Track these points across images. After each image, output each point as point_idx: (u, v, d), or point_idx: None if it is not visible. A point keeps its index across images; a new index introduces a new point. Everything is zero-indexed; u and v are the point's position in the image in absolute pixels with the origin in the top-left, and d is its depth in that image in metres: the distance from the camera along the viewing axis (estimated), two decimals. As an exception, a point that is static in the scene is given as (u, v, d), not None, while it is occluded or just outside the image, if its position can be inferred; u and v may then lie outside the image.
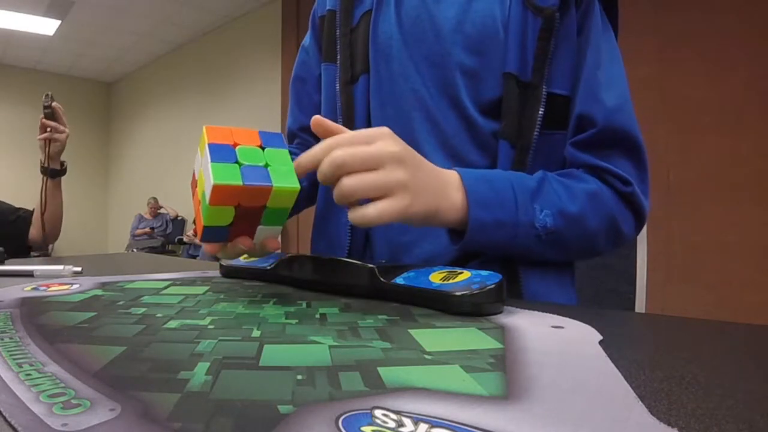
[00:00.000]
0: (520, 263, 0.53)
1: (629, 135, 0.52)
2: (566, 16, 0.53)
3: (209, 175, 0.35)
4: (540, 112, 0.52)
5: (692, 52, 2.34)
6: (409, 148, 0.42)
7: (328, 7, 0.67)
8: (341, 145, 0.38)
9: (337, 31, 0.64)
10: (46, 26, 5.05)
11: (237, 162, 0.36)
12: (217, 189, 0.34)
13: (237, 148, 0.37)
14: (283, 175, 0.37)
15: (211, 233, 0.38)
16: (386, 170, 0.38)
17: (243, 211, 0.37)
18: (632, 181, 0.51)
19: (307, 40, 0.73)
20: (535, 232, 0.47)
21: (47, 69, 6.60)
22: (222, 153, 0.36)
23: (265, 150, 0.38)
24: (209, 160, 0.35)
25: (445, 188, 0.45)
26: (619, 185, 0.51)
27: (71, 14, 4.80)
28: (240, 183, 0.34)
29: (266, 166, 0.37)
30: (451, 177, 0.46)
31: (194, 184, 0.41)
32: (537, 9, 0.53)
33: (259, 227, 0.39)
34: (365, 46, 0.62)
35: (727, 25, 2.24)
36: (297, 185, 0.37)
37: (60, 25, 5.03)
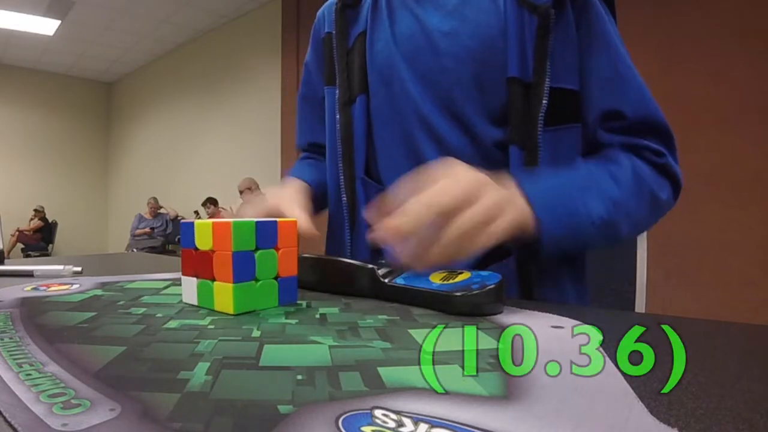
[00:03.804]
0: (532, 267, 0.52)
1: (659, 122, 0.53)
2: (562, 11, 0.52)
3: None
4: (542, 111, 0.51)
5: (692, 52, 2.33)
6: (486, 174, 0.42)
7: (326, 30, 0.67)
8: (454, 208, 0.38)
9: (335, 53, 0.64)
10: (46, 26, 5.06)
11: (256, 248, 0.36)
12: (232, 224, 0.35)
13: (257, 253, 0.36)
14: (243, 293, 0.35)
15: (186, 230, 0.39)
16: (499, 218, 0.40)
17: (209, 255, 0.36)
18: (665, 153, 0.53)
19: (308, 57, 0.73)
20: (592, 226, 0.47)
21: (47, 69, 6.60)
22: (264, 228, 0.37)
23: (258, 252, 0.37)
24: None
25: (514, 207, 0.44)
26: (654, 158, 0.52)
27: (71, 14, 4.80)
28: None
29: (256, 280, 0.36)
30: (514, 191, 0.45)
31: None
32: (532, 6, 0.52)
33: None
34: (362, 66, 0.62)
35: (727, 25, 2.24)
36: (230, 311, 0.35)
37: (60, 25, 5.03)
